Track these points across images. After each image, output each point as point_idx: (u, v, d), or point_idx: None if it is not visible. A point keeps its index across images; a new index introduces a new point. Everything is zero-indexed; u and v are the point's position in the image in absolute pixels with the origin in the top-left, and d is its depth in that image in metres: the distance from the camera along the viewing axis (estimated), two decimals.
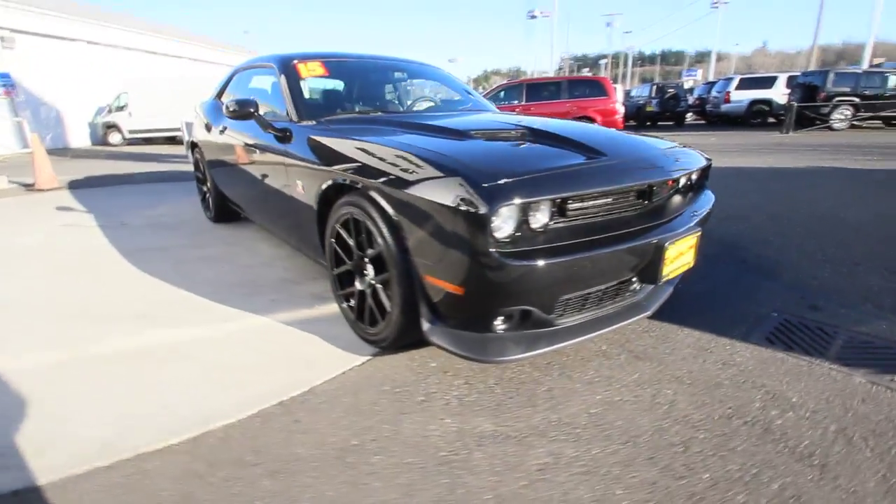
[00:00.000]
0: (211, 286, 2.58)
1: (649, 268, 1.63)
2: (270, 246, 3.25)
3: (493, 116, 2.60)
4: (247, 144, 2.74)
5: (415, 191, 1.48)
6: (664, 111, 16.15)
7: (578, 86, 9.71)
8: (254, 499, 1.19)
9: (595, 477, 1.23)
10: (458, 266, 1.40)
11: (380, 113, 2.53)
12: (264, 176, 2.58)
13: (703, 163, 2.02)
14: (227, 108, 2.44)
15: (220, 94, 3.51)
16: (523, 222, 1.39)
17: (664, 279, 1.67)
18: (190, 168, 4.61)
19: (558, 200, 1.44)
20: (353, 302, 1.97)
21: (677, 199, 1.87)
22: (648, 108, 16.20)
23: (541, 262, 1.37)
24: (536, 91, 9.79)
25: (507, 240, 1.37)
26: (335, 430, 1.43)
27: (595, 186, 1.51)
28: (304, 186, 2.13)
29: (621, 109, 9.40)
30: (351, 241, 1.87)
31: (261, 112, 2.27)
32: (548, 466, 1.27)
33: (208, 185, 3.83)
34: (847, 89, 12.21)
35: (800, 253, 2.89)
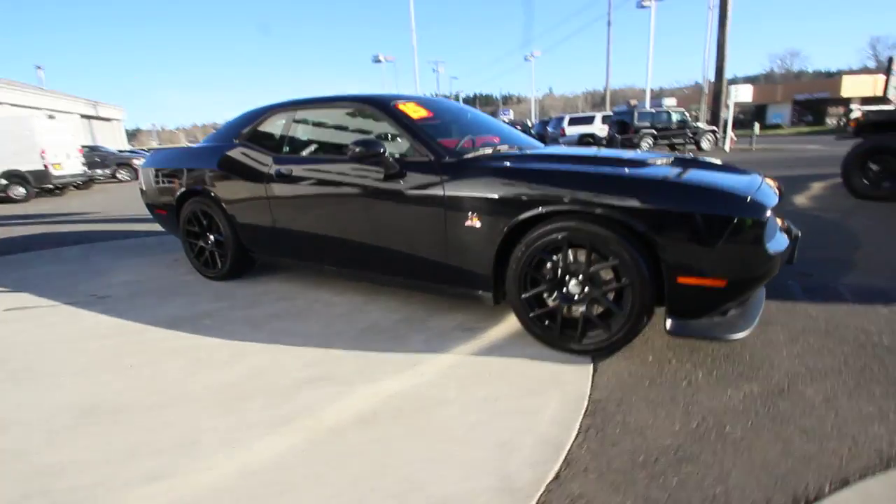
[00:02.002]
0: (342, 338, 2.39)
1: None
2: (332, 293, 3.05)
3: (601, 149, 3.00)
4: (347, 184, 2.62)
5: (682, 206, 1.81)
6: None
7: None
8: None
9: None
10: (731, 260, 1.78)
11: (491, 150, 2.71)
12: (382, 214, 2.52)
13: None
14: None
15: (250, 137, 3.18)
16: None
17: None
18: (71, 227, 3.90)
19: None
20: (546, 321, 2.16)
21: None
22: None
23: (773, 251, 1.84)
24: None
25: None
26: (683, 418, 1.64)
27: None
28: (479, 219, 2.22)
29: None
30: (548, 264, 2.08)
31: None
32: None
33: (216, 237, 3.37)
34: (647, 124, 16.04)
35: None
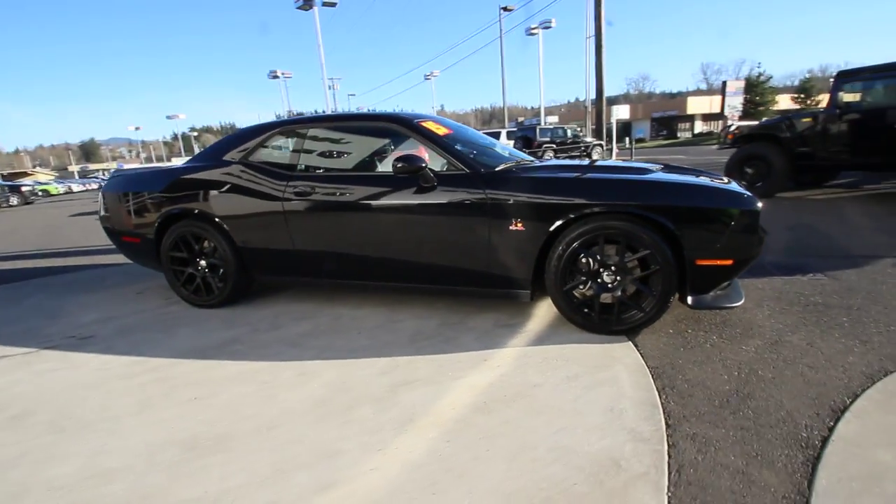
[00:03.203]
0: (396, 346, 2.48)
1: None
2: (349, 308, 3.09)
3: (598, 160, 3.42)
4: (380, 199, 2.72)
5: (699, 203, 2.27)
6: None
7: None
8: None
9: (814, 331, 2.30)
10: (737, 244, 2.27)
11: (513, 164, 2.97)
12: (421, 226, 2.67)
13: None
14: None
15: (251, 156, 3.08)
16: None
17: None
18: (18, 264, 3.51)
19: None
20: (585, 309, 2.50)
21: None
22: None
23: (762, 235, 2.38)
24: None
25: None
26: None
27: None
28: (523, 223, 2.49)
29: None
30: (584, 257, 2.43)
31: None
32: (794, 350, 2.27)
33: (210, 262, 3.19)
34: (548, 139, 17.66)
35: None
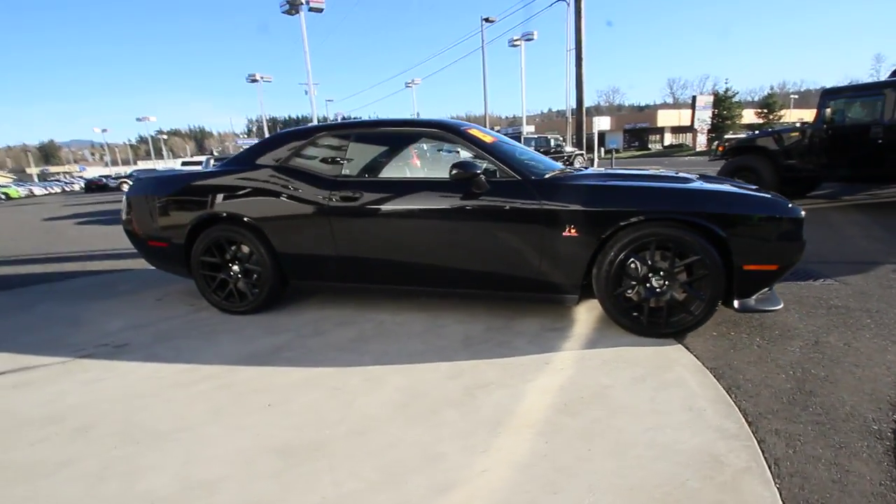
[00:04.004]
0: (450, 351, 2.50)
1: None
2: (388, 314, 3.08)
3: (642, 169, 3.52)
4: (429, 205, 2.76)
5: (750, 211, 2.40)
6: None
7: None
8: None
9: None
10: (782, 250, 2.40)
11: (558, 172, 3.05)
12: (472, 232, 2.71)
13: None
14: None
15: (292, 160, 3.04)
16: None
17: None
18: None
19: None
20: (634, 313, 2.58)
21: None
22: None
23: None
24: None
25: None
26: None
27: None
28: (577, 229, 2.55)
29: None
30: (633, 263, 2.52)
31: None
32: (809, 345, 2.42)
33: (246, 267, 3.13)
34: (533, 147, 17.99)
35: None
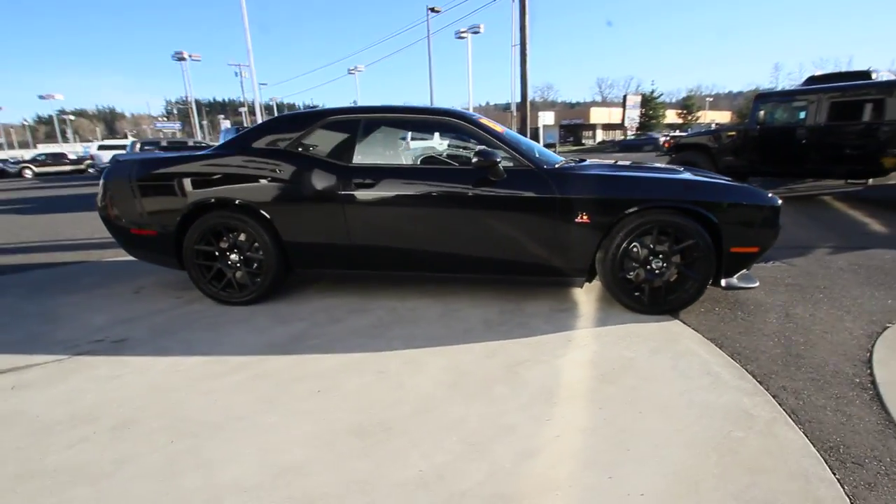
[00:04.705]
0: (476, 333, 2.60)
1: None
2: (397, 300, 3.12)
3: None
4: (445, 192, 2.82)
5: (739, 200, 2.70)
6: None
7: None
8: None
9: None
10: (763, 235, 2.73)
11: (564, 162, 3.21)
12: (488, 218, 2.80)
13: None
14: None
15: (298, 145, 2.94)
16: None
17: None
18: None
19: None
20: (636, 293, 2.82)
21: None
22: None
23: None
24: None
25: None
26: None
27: None
28: (588, 216, 2.73)
29: None
30: (636, 247, 2.76)
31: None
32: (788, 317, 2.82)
33: (247, 255, 3.01)
34: None
35: None
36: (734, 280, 2.86)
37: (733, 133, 7.08)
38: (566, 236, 2.80)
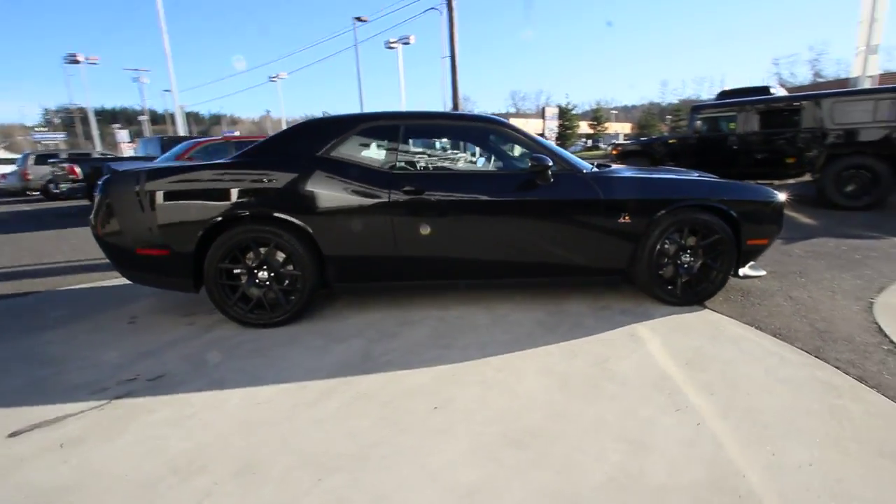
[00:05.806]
0: (538, 336, 2.62)
1: None
2: (439, 309, 3.05)
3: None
4: (498, 198, 2.82)
5: (754, 198, 3.01)
6: None
7: None
8: None
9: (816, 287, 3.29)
10: (771, 228, 3.07)
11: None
12: (540, 222, 2.86)
13: None
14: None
15: (335, 151, 2.75)
16: None
17: None
18: None
19: None
20: (669, 287, 3.04)
21: None
22: None
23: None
24: None
25: None
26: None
27: None
28: (630, 217, 2.88)
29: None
30: (667, 243, 2.97)
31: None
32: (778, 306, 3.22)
33: (282, 271, 2.76)
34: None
35: None
36: (748, 270, 3.19)
37: (675, 140, 7.87)
38: (610, 236, 2.93)
